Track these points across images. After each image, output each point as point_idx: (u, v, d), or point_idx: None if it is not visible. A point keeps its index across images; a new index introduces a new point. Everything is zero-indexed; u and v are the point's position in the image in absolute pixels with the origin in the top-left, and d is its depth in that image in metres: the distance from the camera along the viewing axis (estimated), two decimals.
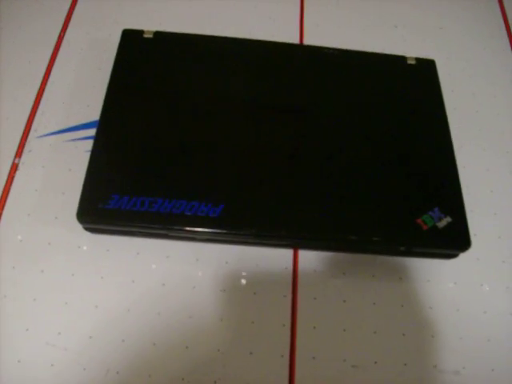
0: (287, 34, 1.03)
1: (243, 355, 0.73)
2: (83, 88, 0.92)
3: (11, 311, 0.73)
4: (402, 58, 0.92)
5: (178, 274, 0.77)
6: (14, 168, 0.83)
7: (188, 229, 0.73)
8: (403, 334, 0.75)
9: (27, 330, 0.72)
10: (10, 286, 0.75)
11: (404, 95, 0.89)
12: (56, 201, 0.81)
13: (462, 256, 0.78)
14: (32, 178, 0.83)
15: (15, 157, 0.84)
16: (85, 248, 0.78)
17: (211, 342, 0.73)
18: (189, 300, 0.75)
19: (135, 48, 0.88)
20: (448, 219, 0.76)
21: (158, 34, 0.89)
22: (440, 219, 0.76)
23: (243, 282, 0.77)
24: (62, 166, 0.83)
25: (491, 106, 0.99)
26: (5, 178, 0.82)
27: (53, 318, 0.73)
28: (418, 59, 0.92)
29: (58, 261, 0.77)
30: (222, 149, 0.79)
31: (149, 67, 0.87)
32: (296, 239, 0.78)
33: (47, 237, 0.78)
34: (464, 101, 0.98)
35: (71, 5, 1.03)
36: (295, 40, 1.03)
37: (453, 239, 0.75)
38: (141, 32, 0.89)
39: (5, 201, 0.80)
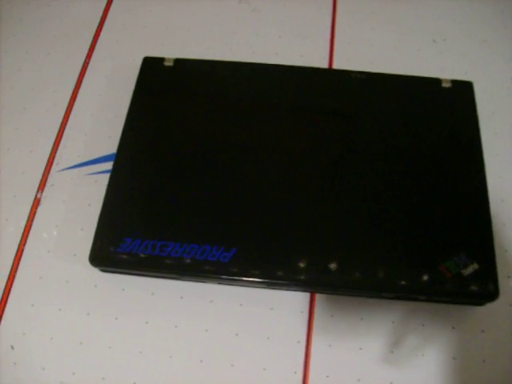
0: (316, 53, 0.99)
1: None
2: (105, 118, 0.92)
3: (28, 349, 0.75)
4: (437, 81, 0.86)
5: (192, 317, 0.76)
6: (37, 203, 0.84)
7: (198, 274, 0.73)
8: None
9: (43, 369, 0.74)
10: (27, 324, 0.76)
11: (436, 123, 0.83)
12: (75, 237, 0.81)
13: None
14: (53, 213, 0.84)
15: (38, 191, 0.85)
16: (100, 287, 0.78)
17: None
18: (201, 343, 0.74)
19: (155, 77, 0.87)
20: (475, 266, 0.71)
21: (178, 61, 0.88)
22: (466, 266, 0.71)
23: (257, 325, 0.76)
24: (82, 201, 0.84)
25: None
26: (27, 212, 0.84)
27: (68, 358, 0.74)
28: (453, 81, 0.86)
29: (75, 299, 0.78)
30: (237, 190, 0.77)
31: (168, 98, 0.86)
32: (314, 286, 0.75)
33: (65, 275, 0.79)
34: (506, 125, 0.91)
35: (97, 30, 1.03)
36: (325, 57, 0.99)
37: (479, 288, 0.70)
38: (161, 60, 0.88)
39: (26, 237, 0.82)
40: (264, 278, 0.72)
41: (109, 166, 0.82)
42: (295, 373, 0.72)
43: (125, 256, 0.72)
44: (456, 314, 0.76)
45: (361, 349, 0.74)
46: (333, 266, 0.71)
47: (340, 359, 0.73)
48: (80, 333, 0.76)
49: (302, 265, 0.71)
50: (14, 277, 0.79)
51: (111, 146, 0.84)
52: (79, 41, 1.02)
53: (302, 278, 0.71)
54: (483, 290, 0.70)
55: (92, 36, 1.03)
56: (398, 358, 0.73)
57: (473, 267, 0.71)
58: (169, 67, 0.87)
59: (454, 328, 0.75)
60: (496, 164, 0.84)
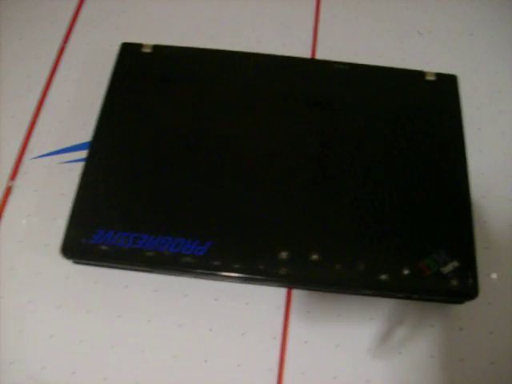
0: (299, 42, 0.97)
1: None
2: (81, 105, 0.89)
3: None
4: (421, 74, 0.84)
5: (165, 311, 0.74)
6: (8, 191, 0.82)
7: (172, 268, 0.71)
8: None
9: (11, 363, 0.71)
10: None
11: (419, 117, 0.82)
12: (47, 227, 0.79)
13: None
14: (25, 202, 0.81)
15: (9, 179, 0.83)
16: (72, 279, 0.76)
17: (194, 382, 0.71)
18: (174, 338, 0.73)
19: (133, 63, 0.85)
20: (455, 264, 0.70)
21: (157, 47, 0.85)
22: (446, 263, 0.70)
23: (232, 320, 0.74)
24: (56, 190, 0.82)
25: None
26: None
27: (37, 352, 0.72)
28: (438, 74, 0.84)
29: (46, 292, 0.76)
30: (214, 181, 0.75)
31: (146, 85, 0.83)
32: (292, 281, 0.73)
33: (36, 266, 0.77)
34: (490, 120, 0.89)
35: (74, 14, 1.00)
36: (308, 46, 0.96)
37: (458, 287, 0.69)
38: (139, 46, 0.85)
39: None
40: (241, 273, 0.70)
41: (83, 154, 0.79)
42: (270, 370, 0.71)
43: (97, 248, 0.70)
44: (435, 312, 0.75)
45: (337, 346, 0.72)
46: (311, 260, 0.69)
47: (316, 356, 0.72)
48: (50, 326, 0.73)
49: (282, 257, 0.69)
50: None
51: (86, 134, 0.82)
52: (55, 25, 0.99)
53: (282, 271, 0.69)
54: (463, 288, 0.69)
55: (69, 20, 1.00)
56: (376, 355, 0.72)
57: (452, 265, 0.69)
58: (147, 53, 0.85)
59: (432, 326, 0.74)
60: (478, 159, 0.83)
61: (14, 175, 0.83)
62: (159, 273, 0.75)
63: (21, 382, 0.71)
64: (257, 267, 0.70)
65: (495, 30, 1.00)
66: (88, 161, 0.76)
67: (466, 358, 0.72)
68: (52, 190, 0.82)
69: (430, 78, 0.84)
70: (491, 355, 0.72)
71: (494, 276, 0.77)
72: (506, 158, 0.86)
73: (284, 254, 0.70)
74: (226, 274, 0.70)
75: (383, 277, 0.69)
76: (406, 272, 0.69)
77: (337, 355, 0.72)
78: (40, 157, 0.85)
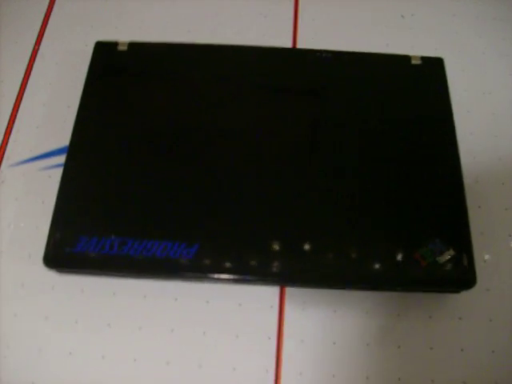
0: (279, 32, 0.94)
1: None
2: (58, 108, 0.86)
3: None
4: (406, 58, 0.82)
5: (156, 317, 0.72)
6: None
7: (160, 272, 0.69)
8: (399, 379, 0.69)
9: None
10: None
11: (407, 102, 0.80)
12: (29, 237, 0.76)
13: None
14: (5, 211, 0.78)
15: None
16: (58, 289, 0.73)
17: None
18: (167, 345, 0.70)
19: (108, 62, 0.82)
20: (451, 252, 0.68)
21: (132, 45, 0.82)
22: (441, 253, 0.68)
23: (225, 323, 0.72)
24: (36, 198, 0.79)
25: (511, 108, 0.88)
26: None
27: (26, 366, 0.70)
28: (423, 58, 0.82)
29: (32, 303, 0.73)
30: (198, 182, 0.72)
31: (123, 84, 0.80)
32: (284, 279, 0.71)
33: (20, 277, 0.74)
34: (479, 102, 0.87)
35: (46, 13, 0.96)
36: (288, 36, 0.94)
37: (455, 276, 0.67)
38: (115, 44, 0.82)
39: None
40: (232, 273, 0.68)
41: (62, 159, 0.76)
42: (267, 371, 0.69)
43: (82, 256, 0.67)
44: (432, 303, 0.73)
45: (335, 343, 0.71)
46: (302, 255, 0.68)
47: (313, 355, 0.70)
48: (38, 339, 0.71)
49: (273, 251, 0.68)
50: None
51: (65, 139, 0.78)
52: (27, 26, 0.95)
53: (274, 267, 0.67)
54: (460, 277, 0.67)
55: (41, 20, 0.96)
56: (374, 350, 0.70)
57: (448, 254, 0.68)
58: (123, 51, 0.82)
59: (430, 317, 0.72)
60: (469, 143, 0.81)
61: None
62: (147, 278, 0.73)
63: None
64: (248, 264, 0.67)
65: (478, 9, 0.97)
66: (66, 166, 0.73)
67: (467, 348, 0.70)
68: (32, 198, 0.79)
69: (416, 62, 0.82)
70: (492, 343, 0.71)
71: (491, 262, 0.75)
72: (498, 140, 0.84)
73: (275, 247, 0.68)
74: (216, 275, 0.68)
75: (378, 269, 0.67)
76: (401, 263, 0.67)
77: (335, 353, 0.70)
78: (18, 164, 0.82)
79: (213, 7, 0.97)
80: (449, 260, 0.67)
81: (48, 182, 0.80)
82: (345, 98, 0.80)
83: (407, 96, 0.80)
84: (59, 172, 0.74)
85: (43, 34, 0.94)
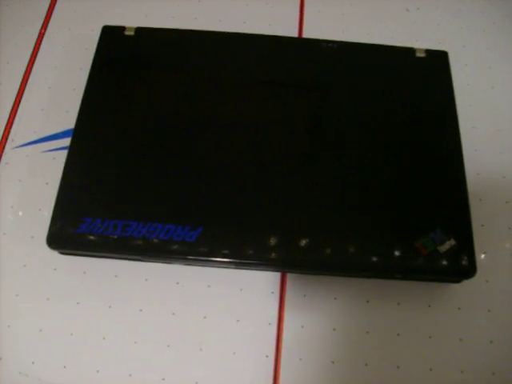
0: (286, 21, 0.95)
1: None
2: (63, 91, 0.86)
3: None
4: (411, 51, 0.83)
5: (157, 300, 0.72)
6: None
7: (163, 255, 0.69)
8: (398, 367, 0.69)
9: (0, 358, 0.70)
10: None
11: (411, 94, 0.80)
12: (32, 218, 0.77)
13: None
14: (8, 193, 0.79)
15: None
16: (60, 271, 0.74)
17: (189, 371, 0.70)
18: (168, 328, 0.71)
19: (115, 47, 0.82)
20: (451, 242, 0.68)
21: (139, 30, 0.82)
22: (442, 242, 0.68)
23: (226, 307, 0.72)
24: (40, 180, 0.79)
25: None
26: None
27: (27, 346, 0.70)
28: (428, 51, 0.82)
29: (34, 284, 0.73)
30: (203, 166, 0.73)
31: (129, 69, 0.81)
32: (285, 264, 0.71)
33: (23, 258, 0.75)
34: (481, 96, 0.88)
35: None
36: (294, 25, 0.94)
37: (456, 265, 0.68)
38: (122, 29, 0.82)
39: None
40: (233, 258, 0.68)
41: (67, 142, 0.76)
42: (267, 356, 0.70)
43: (85, 237, 0.67)
44: (432, 292, 0.73)
45: (335, 329, 0.71)
46: (303, 242, 0.68)
47: (313, 341, 0.71)
48: (39, 319, 0.72)
49: (272, 242, 0.67)
50: None
51: (70, 121, 0.79)
52: (34, 9, 0.95)
53: (273, 255, 0.67)
54: (460, 266, 0.68)
55: (48, 4, 0.96)
56: (373, 338, 0.71)
57: (449, 243, 0.68)
58: (130, 36, 0.82)
59: (430, 306, 0.73)
60: (472, 137, 0.82)
61: None
62: (150, 261, 0.73)
63: (11, 378, 0.69)
64: (249, 248, 0.67)
65: (483, 5, 0.98)
66: (71, 148, 0.73)
67: (465, 338, 0.71)
68: (36, 180, 0.80)
69: (421, 54, 0.82)
70: (490, 333, 0.71)
71: (491, 253, 0.76)
72: (500, 134, 0.84)
73: (277, 232, 0.68)
74: (218, 259, 0.68)
75: (380, 257, 0.67)
76: (402, 252, 0.68)
77: (334, 339, 0.70)
78: (22, 146, 0.82)
79: None
80: (449, 249, 0.68)
81: (52, 163, 0.80)
82: (349, 88, 0.80)
83: (411, 88, 0.80)
84: (63, 154, 0.74)
85: (50, 18, 0.95)
